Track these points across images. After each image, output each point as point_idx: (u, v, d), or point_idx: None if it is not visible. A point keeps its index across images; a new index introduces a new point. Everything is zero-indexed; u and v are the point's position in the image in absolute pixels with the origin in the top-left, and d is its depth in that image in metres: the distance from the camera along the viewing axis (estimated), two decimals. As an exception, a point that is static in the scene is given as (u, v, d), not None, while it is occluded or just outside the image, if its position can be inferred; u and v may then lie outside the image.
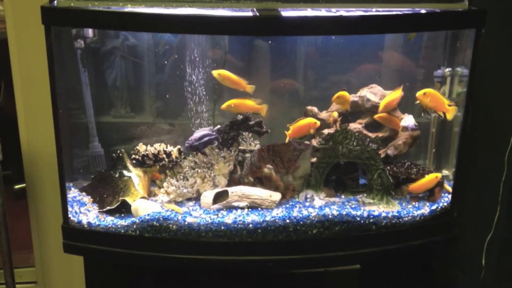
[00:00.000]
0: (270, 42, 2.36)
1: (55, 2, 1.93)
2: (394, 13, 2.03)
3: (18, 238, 2.72)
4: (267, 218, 2.10)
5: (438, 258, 2.79)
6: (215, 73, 2.18)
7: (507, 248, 2.60)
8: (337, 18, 1.99)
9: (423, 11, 2.04)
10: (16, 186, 3.63)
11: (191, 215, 2.12)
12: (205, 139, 2.24)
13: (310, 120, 2.30)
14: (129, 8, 1.94)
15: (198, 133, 2.26)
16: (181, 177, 2.29)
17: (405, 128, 2.33)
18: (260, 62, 2.41)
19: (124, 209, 2.17)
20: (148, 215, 2.09)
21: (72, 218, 2.13)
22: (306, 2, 2.01)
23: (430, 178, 2.25)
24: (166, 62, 2.39)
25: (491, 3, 2.13)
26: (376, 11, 2.03)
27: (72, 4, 1.92)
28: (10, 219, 2.50)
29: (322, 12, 2.02)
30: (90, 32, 2.27)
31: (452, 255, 2.81)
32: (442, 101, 2.20)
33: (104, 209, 2.17)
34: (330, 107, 2.41)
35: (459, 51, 2.29)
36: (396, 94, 2.29)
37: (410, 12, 2.04)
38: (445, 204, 2.26)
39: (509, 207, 2.56)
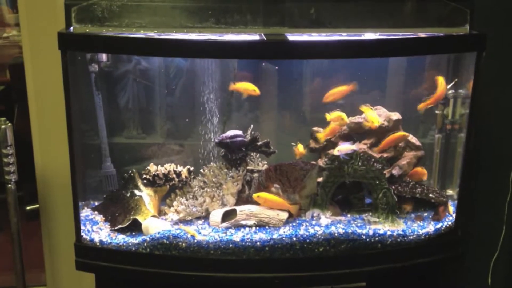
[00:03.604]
0: (276, 65, 2.43)
1: (71, 28, 2.00)
2: (398, 37, 2.08)
3: (30, 258, 2.76)
4: (274, 236, 2.14)
5: (444, 277, 2.80)
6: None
7: (513, 268, 2.62)
8: (342, 42, 2.05)
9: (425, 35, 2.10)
10: (28, 207, 3.67)
11: (200, 233, 2.16)
12: (238, 139, 2.30)
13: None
14: (141, 34, 2.00)
15: (231, 132, 2.33)
16: (191, 196, 2.34)
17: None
18: (267, 84, 2.47)
19: (135, 228, 2.21)
20: (159, 233, 2.13)
21: (84, 236, 2.18)
22: (312, 27, 2.08)
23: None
24: (175, 85, 2.46)
25: (492, 26, 2.19)
26: (380, 35, 2.09)
27: (87, 30, 2.00)
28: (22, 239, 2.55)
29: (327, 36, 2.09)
30: (104, 56, 2.34)
31: (458, 275, 2.82)
32: None
33: (116, 228, 2.22)
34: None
35: (461, 74, 2.34)
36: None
37: (413, 36, 2.10)
38: (450, 223, 2.29)
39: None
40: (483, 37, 2.07)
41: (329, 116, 2.31)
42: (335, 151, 2.27)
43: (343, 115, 2.31)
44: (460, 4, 2.11)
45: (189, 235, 2.12)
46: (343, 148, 2.25)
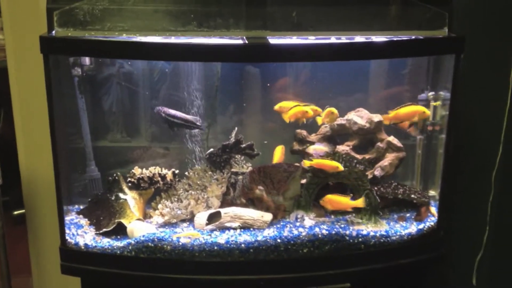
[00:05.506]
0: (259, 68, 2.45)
1: (54, 32, 2.00)
2: (378, 40, 2.11)
3: (16, 263, 2.75)
4: (259, 238, 2.15)
5: (429, 277, 2.82)
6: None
7: (497, 267, 2.65)
8: (322, 46, 2.07)
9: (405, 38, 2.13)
10: (15, 212, 3.66)
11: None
12: (176, 120, 2.29)
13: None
14: (124, 37, 2.01)
15: (179, 113, 2.31)
16: (176, 199, 2.35)
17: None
18: (250, 87, 2.49)
19: (120, 231, 2.22)
20: (143, 236, 2.14)
21: (69, 240, 2.18)
22: (293, 31, 2.10)
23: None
24: (159, 88, 2.47)
25: (471, 29, 2.22)
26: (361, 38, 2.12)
27: (69, 34, 2.00)
28: (8, 244, 2.54)
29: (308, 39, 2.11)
30: (87, 60, 2.34)
31: (443, 275, 2.85)
32: None
33: (101, 231, 2.22)
34: (318, 131, 2.49)
35: (441, 75, 2.37)
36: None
37: (393, 39, 2.12)
38: (432, 223, 2.32)
39: (498, 227, 2.61)
40: (461, 39, 2.10)
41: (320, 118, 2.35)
42: (311, 149, 2.33)
43: (333, 109, 2.33)
44: (439, 7, 2.14)
45: (174, 238, 2.13)
46: (318, 148, 2.32)
